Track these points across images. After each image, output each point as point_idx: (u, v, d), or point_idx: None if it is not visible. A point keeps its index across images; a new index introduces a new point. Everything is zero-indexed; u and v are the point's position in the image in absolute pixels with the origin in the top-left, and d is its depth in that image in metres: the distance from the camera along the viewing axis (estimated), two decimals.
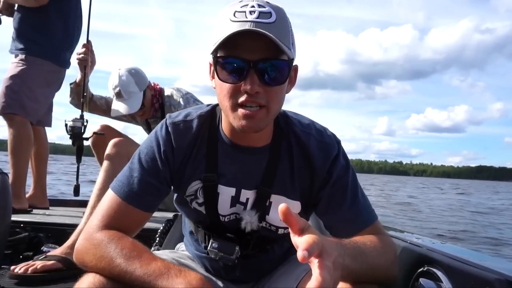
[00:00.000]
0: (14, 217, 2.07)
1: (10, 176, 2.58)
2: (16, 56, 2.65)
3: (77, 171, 2.41)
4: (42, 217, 2.39)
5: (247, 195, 0.98)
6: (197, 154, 0.98)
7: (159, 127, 0.99)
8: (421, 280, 1.14)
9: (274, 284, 1.03)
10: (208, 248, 1.00)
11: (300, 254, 0.60)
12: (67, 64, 2.81)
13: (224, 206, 0.99)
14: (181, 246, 1.25)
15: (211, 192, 0.98)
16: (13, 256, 1.99)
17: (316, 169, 0.97)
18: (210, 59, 0.92)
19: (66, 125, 2.25)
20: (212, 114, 1.02)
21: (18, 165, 2.60)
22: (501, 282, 0.96)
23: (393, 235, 1.30)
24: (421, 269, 1.16)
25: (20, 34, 2.66)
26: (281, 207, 0.63)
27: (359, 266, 0.78)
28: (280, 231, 1.02)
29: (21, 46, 2.64)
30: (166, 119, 1.00)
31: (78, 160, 2.32)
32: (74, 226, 1.94)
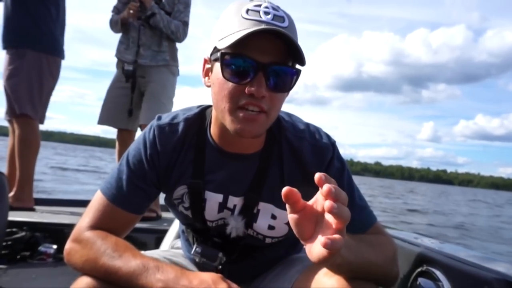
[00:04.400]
0: (11, 217, 2.06)
1: (17, 175, 2.58)
2: (8, 50, 2.59)
3: (131, 99, 2.75)
4: (39, 217, 2.38)
5: (235, 201, 0.95)
6: (184, 158, 0.95)
7: (148, 129, 0.96)
8: (420, 279, 1.14)
9: (268, 285, 1.01)
10: (192, 252, 1.00)
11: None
12: (61, 54, 2.74)
13: (211, 212, 0.96)
14: (176, 244, 1.25)
15: (196, 198, 0.95)
16: (10, 256, 1.99)
17: (310, 175, 0.93)
18: (206, 55, 0.87)
19: (122, 68, 2.72)
20: (200, 117, 0.97)
21: (25, 166, 2.58)
22: (500, 282, 0.96)
23: (392, 234, 1.30)
24: (420, 269, 1.16)
25: (10, 25, 2.58)
26: (284, 192, 0.63)
27: (353, 257, 0.76)
28: (268, 240, 0.99)
29: (11, 38, 2.58)
30: (154, 121, 0.97)
31: (132, 91, 2.74)
32: (72, 226, 1.94)
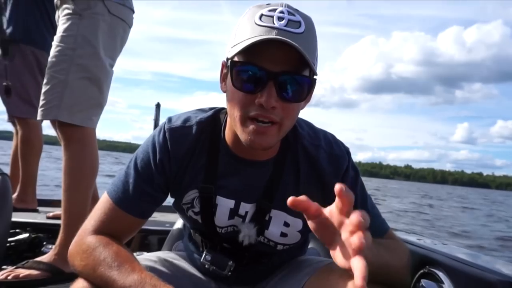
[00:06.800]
0: (15, 218, 2.07)
1: (20, 176, 2.58)
2: None
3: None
4: (43, 218, 2.38)
5: (247, 208, 0.94)
6: (196, 162, 0.93)
7: (157, 132, 0.94)
8: (423, 281, 1.13)
9: (275, 287, 1.01)
10: (201, 259, 0.99)
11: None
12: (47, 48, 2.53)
13: (221, 218, 0.95)
14: (178, 245, 1.24)
15: (207, 203, 0.94)
16: (14, 257, 1.99)
17: (327, 183, 0.92)
18: (225, 59, 0.86)
19: None
20: (214, 120, 0.95)
21: (27, 167, 2.57)
22: (503, 284, 0.95)
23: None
24: (422, 270, 1.16)
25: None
26: (289, 201, 0.62)
27: (375, 259, 0.75)
28: (279, 247, 0.98)
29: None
30: (165, 124, 0.94)
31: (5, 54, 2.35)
32: None
